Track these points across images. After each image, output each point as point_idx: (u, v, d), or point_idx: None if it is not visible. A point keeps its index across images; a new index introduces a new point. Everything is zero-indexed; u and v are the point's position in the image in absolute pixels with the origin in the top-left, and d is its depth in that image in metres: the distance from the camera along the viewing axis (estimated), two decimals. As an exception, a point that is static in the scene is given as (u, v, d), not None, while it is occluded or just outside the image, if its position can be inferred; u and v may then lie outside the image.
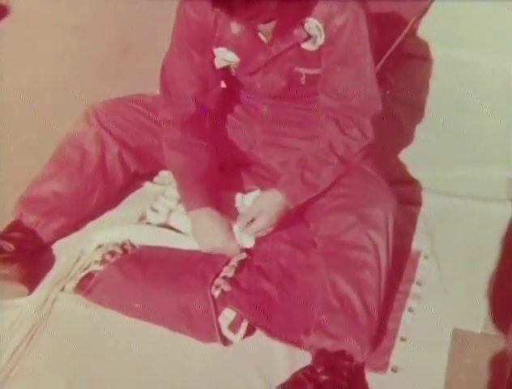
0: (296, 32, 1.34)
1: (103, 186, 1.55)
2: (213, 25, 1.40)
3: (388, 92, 1.88)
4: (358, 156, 1.42)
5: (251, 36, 1.37)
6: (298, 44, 1.37)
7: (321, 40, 1.36)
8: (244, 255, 1.43)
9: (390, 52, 1.95)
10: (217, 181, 1.49)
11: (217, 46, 1.43)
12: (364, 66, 1.37)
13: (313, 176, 1.38)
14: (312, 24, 1.34)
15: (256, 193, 1.53)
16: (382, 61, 1.91)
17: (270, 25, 1.32)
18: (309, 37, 1.35)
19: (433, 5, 2.21)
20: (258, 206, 1.39)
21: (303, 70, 1.42)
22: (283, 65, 1.41)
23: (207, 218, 1.41)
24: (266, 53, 1.40)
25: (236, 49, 1.42)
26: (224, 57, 1.44)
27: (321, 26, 1.33)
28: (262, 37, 1.36)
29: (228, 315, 1.33)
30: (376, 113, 1.42)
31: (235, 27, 1.34)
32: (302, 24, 1.34)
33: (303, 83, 1.44)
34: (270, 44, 1.38)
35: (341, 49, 1.35)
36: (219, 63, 1.47)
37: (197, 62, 1.45)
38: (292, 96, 1.51)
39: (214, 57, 1.46)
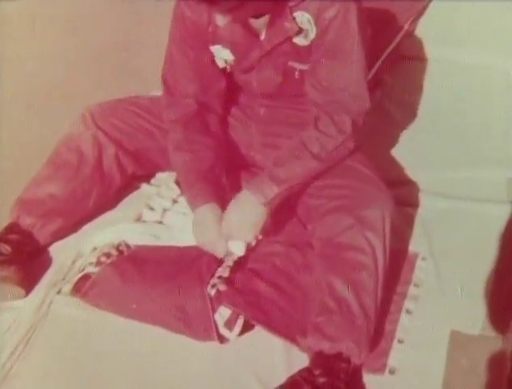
0: (287, 25, 1.35)
1: (100, 188, 1.55)
2: (207, 23, 1.40)
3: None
4: (335, 153, 1.39)
5: (244, 33, 1.38)
6: (290, 39, 1.37)
7: (312, 35, 1.36)
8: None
9: (387, 53, 1.95)
10: (223, 179, 1.48)
11: (213, 44, 1.44)
12: (351, 61, 1.37)
13: (280, 170, 1.37)
14: (304, 18, 1.34)
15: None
16: (379, 62, 1.91)
17: (264, 20, 1.32)
18: (300, 31, 1.36)
19: (430, 5, 2.21)
20: (230, 209, 1.39)
21: (297, 66, 1.42)
22: (277, 60, 1.42)
23: (208, 212, 1.40)
24: (259, 48, 1.40)
25: (231, 46, 1.42)
26: (220, 54, 1.45)
27: (312, 19, 1.34)
28: (255, 29, 1.37)
29: (223, 313, 1.34)
30: (362, 111, 1.40)
31: (220, 20, 1.33)
32: (294, 18, 1.34)
33: (297, 77, 1.44)
34: (263, 40, 1.38)
35: (329, 42, 1.35)
36: (219, 63, 1.47)
37: (194, 60, 1.46)
38: (289, 94, 1.50)
39: (213, 55, 1.46)
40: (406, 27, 2.04)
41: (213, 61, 1.47)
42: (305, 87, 1.44)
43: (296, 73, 1.43)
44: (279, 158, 1.39)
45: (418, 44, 2.13)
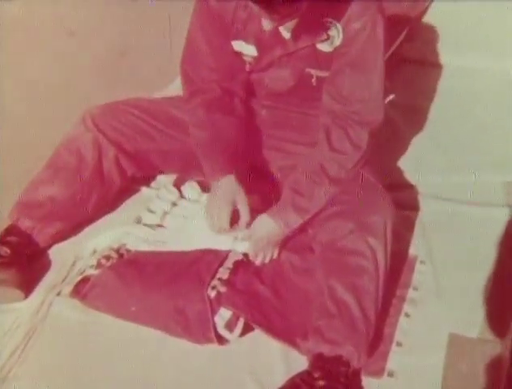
0: (317, 31, 1.35)
1: (99, 191, 1.54)
2: (231, 17, 1.41)
3: (392, 97, 1.89)
4: (354, 169, 1.41)
5: (272, 32, 1.37)
6: (314, 45, 1.38)
7: (337, 42, 1.36)
8: (239, 256, 1.44)
9: (386, 56, 1.96)
10: (243, 154, 1.48)
11: (235, 39, 1.44)
12: (373, 73, 1.38)
13: (304, 200, 1.39)
14: (331, 25, 1.34)
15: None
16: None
17: (293, 22, 1.32)
18: (327, 38, 1.36)
19: (431, 9, 2.22)
20: (250, 231, 1.41)
21: (314, 72, 1.42)
22: (296, 63, 1.42)
23: (224, 185, 1.41)
24: (283, 48, 1.40)
25: (257, 43, 1.42)
26: (241, 49, 1.44)
27: (340, 27, 1.34)
28: (284, 33, 1.37)
29: (224, 314, 1.34)
30: (376, 123, 1.41)
31: (267, 25, 1.30)
32: (324, 25, 1.34)
33: (314, 84, 1.44)
34: (288, 40, 1.38)
35: (354, 52, 1.35)
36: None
37: (216, 49, 1.46)
38: (297, 98, 1.50)
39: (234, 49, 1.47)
40: (406, 30, 2.05)
41: (235, 52, 1.47)
42: (319, 94, 1.44)
43: (314, 80, 1.43)
44: (299, 184, 1.40)
45: (417, 49, 2.14)
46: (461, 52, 2.10)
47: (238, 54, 1.47)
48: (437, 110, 1.94)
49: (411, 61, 2.10)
